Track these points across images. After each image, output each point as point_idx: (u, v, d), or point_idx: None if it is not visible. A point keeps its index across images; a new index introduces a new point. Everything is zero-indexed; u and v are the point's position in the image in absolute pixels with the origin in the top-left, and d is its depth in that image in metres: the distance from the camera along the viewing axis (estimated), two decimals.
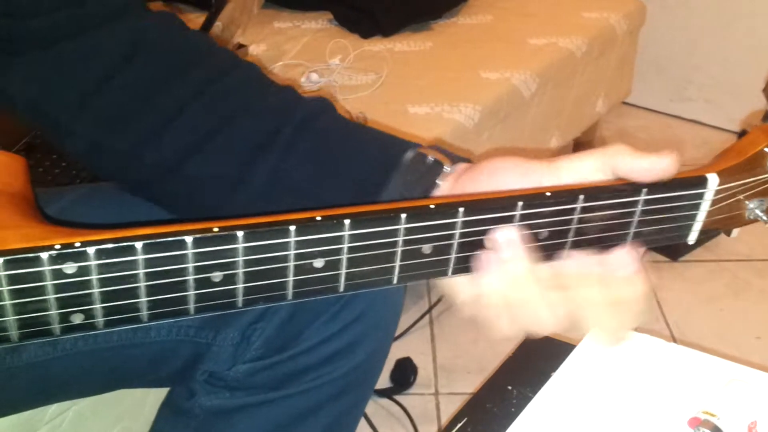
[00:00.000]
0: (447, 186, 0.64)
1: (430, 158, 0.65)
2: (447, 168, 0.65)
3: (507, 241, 0.56)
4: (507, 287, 0.57)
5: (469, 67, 2.08)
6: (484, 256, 0.57)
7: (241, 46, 1.91)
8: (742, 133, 0.63)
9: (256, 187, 0.69)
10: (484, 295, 0.58)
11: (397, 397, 1.84)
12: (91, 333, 0.50)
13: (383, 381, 1.87)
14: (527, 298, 0.58)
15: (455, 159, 0.66)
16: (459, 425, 0.81)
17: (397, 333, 1.90)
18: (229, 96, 0.72)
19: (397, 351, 1.92)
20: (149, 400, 1.21)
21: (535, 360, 0.87)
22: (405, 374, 1.90)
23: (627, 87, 2.70)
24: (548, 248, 0.58)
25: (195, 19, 2.06)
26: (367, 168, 0.68)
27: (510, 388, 0.85)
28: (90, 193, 0.94)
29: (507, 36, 2.26)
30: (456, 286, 0.62)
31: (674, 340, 1.31)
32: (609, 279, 0.58)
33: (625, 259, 0.58)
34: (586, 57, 2.29)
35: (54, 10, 0.72)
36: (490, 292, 0.58)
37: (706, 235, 0.63)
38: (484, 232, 0.56)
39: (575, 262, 0.58)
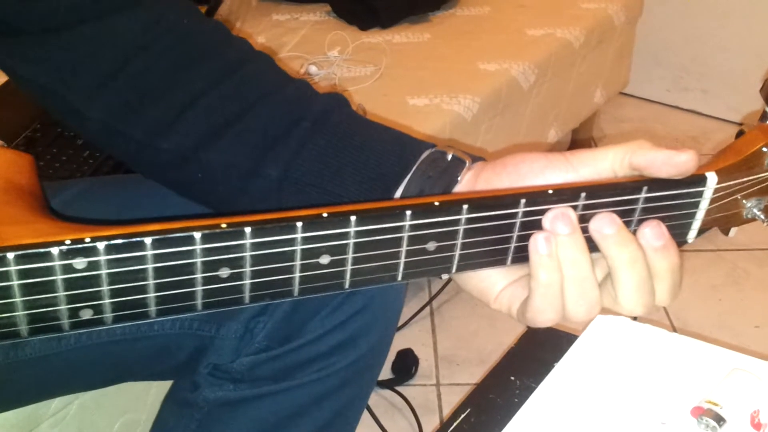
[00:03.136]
0: (467, 182, 0.64)
1: (450, 154, 0.66)
2: (467, 163, 0.65)
3: (562, 216, 0.56)
4: (564, 265, 0.57)
5: (467, 58, 2.08)
6: (539, 235, 0.56)
7: None
8: (740, 133, 0.63)
9: (269, 180, 0.69)
10: (540, 278, 0.57)
11: (399, 388, 1.84)
12: (98, 329, 0.50)
13: (385, 372, 1.87)
14: (584, 276, 0.58)
15: (474, 158, 0.66)
16: (462, 416, 0.82)
17: (399, 324, 1.90)
18: (245, 86, 0.72)
19: (398, 342, 1.93)
20: (152, 392, 1.21)
21: (538, 350, 0.87)
22: (406, 365, 1.90)
23: (625, 77, 2.70)
24: None
25: None
26: (385, 164, 0.68)
27: (513, 378, 0.85)
28: (91, 187, 0.94)
29: (505, 27, 2.26)
30: (486, 281, 0.63)
31: (674, 330, 1.31)
32: (645, 253, 0.58)
33: (655, 232, 0.58)
34: (584, 48, 2.29)
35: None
36: (546, 273, 0.57)
37: (703, 233, 0.63)
38: (487, 229, 0.56)
39: (614, 227, 0.58)
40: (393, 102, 1.88)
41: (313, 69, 1.98)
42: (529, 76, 2.07)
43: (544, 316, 0.60)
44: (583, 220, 0.57)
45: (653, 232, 0.58)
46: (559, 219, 0.56)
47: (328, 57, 2.05)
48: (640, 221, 0.59)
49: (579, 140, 2.73)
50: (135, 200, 0.88)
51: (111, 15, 0.72)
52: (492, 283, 0.63)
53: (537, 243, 0.57)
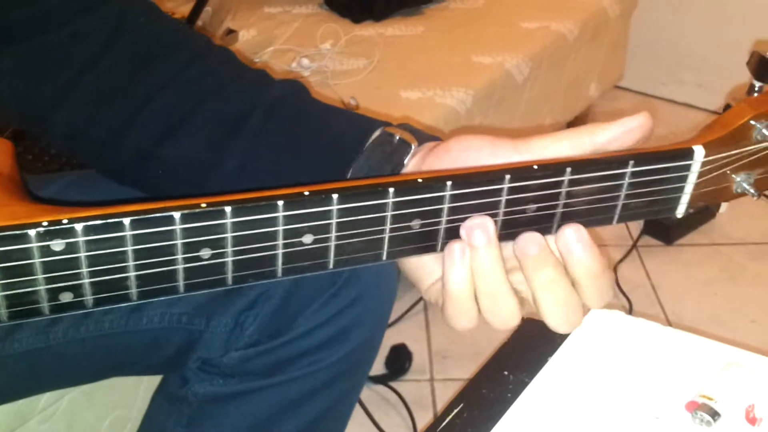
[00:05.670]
0: (413, 166, 0.64)
1: (397, 137, 0.65)
2: (413, 146, 0.64)
3: (480, 227, 0.55)
4: (477, 277, 0.56)
5: (460, 51, 2.08)
6: (456, 245, 0.55)
7: (231, 31, 1.90)
8: (727, 107, 0.62)
9: (229, 171, 0.69)
10: (451, 287, 0.56)
11: (393, 384, 1.84)
12: (83, 315, 0.50)
13: (378, 367, 1.87)
14: (496, 290, 0.57)
15: (423, 138, 0.65)
16: (455, 411, 0.81)
17: (392, 319, 1.90)
18: (201, 81, 0.72)
19: (391, 337, 1.92)
20: (142, 388, 1.21)
21: (531, 345, 0.86)
22: (400, 360, 1.90)
23: (619, 71, 2.70)
24: (537, 221, 0.57)
25: (185, 5, 2.05)
26: (333, 149, 0.67)
27: (506, 373, 0.84)
28: (79, 180, 0.93)
29: (499, 20, 2.26)
30: (422, 269, 0.61)
31: (669, 324, 1.31)
32: (564, 259, 0.57)
33: (575, 236, 0.57)
34: (579, 41, 2.28)
35: (34, 2, 0.72)
36: (457, 284, 0.56)
37: (696, 209, 0.62)
38: (472, 206, 0.55)
39: (533, 245, 0.57)
40: (386, 95, 1.87)
41: (305, 62, 1.97)
42: (523, 69, 2.07)
43: (456, 323, 0.59)
44: (569, 195, 0.57)
45: (574, 236, 0.57)
46: (476, 229, 0.55)
47: (321, 50, 2.04)
48: (628, 196, 0.58)
49: None
50: (123, 192, 0.87)
51: (78, 18, 0.73)
52: (428, 271, 0.62)
53: (452, 253, 0.56)
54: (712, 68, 2.87)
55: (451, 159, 0.60)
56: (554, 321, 0.58)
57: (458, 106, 1.86)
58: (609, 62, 2.56)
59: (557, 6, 2.33)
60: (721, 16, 2.78)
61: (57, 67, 0.72)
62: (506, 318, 0.58)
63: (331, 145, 0.68)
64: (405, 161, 0.64)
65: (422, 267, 0.61)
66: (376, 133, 0.66)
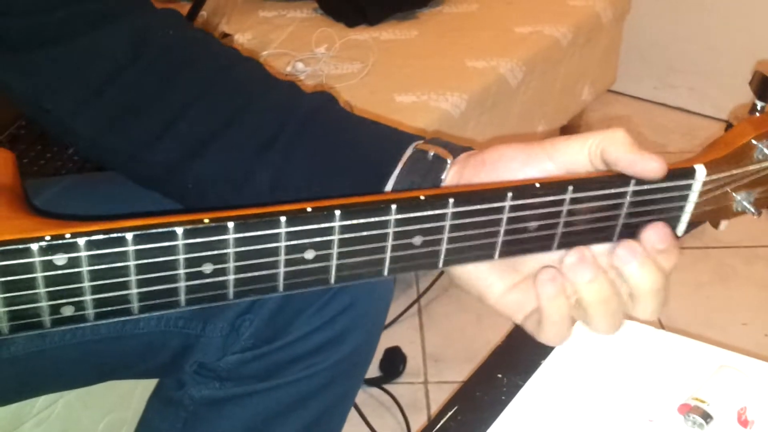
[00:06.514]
0: (450, 180, 0.64)
1: (431, 154, 0.65)
2: (449, 161, 0.64)
3: (584, 261, 0.58)
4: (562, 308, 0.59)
5: (455, 55, 2.08)
6: (555, 273, 0.58)
7: (226, 35, 1.90)
8: (729, 126, 0.63)
9: (261, 187, 0.69)
10: (549, 316, 0.59)
11: (387, 387, 1.84)
12: (81, 325, 0.50)
13: (372, 370, 1.87)
14: (566, 315, 0.59)
15: (455, 150, 0.65)
16: (449, 413, 0.81)
17: (386, 322, 1.90)
18: (231, 95, 0.72)
19: (386, 340, 1.92)
20: (138, 391, 1.21)
21: (525, 348, 0.87)
22: (394, 363, 1.90)
23: (612, 75, 2.70)
24: (538, 240, 0.58)
25: (180, 8, 2.05)
26: (366, 165, 0.67)
27: (500, 376, 0.85)
28: (76, 184, 0.93)
29: (493, 24, 2.26)
30: (480, 282, 0.62)
31: (662, 327, 1.30)
32: (620, 274, 0.59)
33: (630, 250, 0.58)
34: (572, 45, 2.29)
35: (57, 9, 0.71)
36: (556, 310, 0.58)
37: (694, 227, 0.63)
38: (474, 224, 0.56)
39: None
40: (380, 99, 1.87)
41: (300, 66, 1.97)
42: (517, 73, 2.07)
43: (558, 341, 0.61)
44: (571, 213, 0.57)
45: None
46: (581, 265, 0.58)
47: (315, 54, 2.05)
48: (629, 215, 0.58)
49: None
50: (121, 196, 0.87)
51: (99, 29, 0.72)
52: (488, 284, 0.62)
53: (544, 287, 0.58)
54: (704, 72, 2.87)
55: (487, 171, 0.60)
56: (600, 327, 0.60)
57: (452, 110, 1.87)
58: (602, 66, 2.56)
59: (550, 11, 2.34)
60: (713, 21, 2.79)
61: (76, 78, 0.72)
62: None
63: (364, 160, 0.67)
64: (443, 176, 0.64)
65: (482, 279, 0.62)
66: (409, 152, 0.66)
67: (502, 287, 0.62)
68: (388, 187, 0.66)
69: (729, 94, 2.77)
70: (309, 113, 0.70)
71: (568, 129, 2.65)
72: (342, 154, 0.69)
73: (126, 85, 0.72)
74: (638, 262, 0.58)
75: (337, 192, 0.67)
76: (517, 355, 0.86)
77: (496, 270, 0.61)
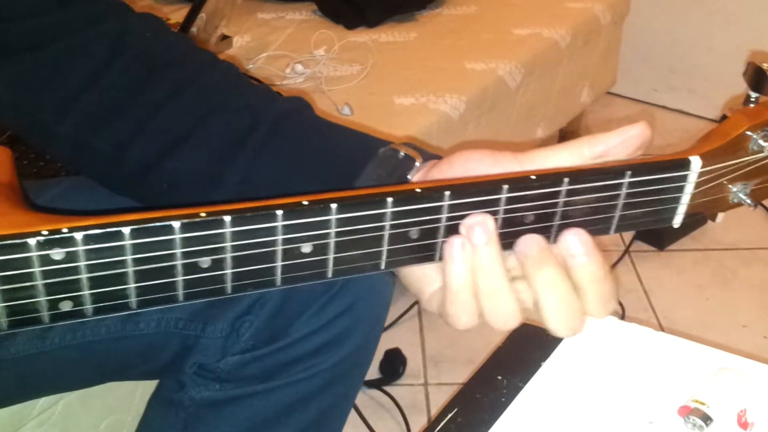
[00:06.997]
0: (416, 180, 0.64)
1: (402, 153, 0.65)
2: (417, 163, 0.64)
3: (480, 224, 0.55)
4: (477, 275, 0.56)
5: (454, 57, 2.08)
6: (456, 240, 0.55)
7: (225, 37, 1.91)
8: (723, 118, 0.63)
9: (231, 184, 0.69)
10: (451, 284, 0.56)
11: (387, 388, 1.84)
12: (79, 321, 0.50)
13: (372, 372, 1.87)
14: (496, 288, 0.56)
15: (426, 156, 0.65)
16: (449, 416, 0.81)
17: (386, 324, 1.90)
18: (205, 95, 0.72)
19: (386, 342, 1.92)
20: (138, 392, 1.21)
21: (525, 350, 0.87)
22: (394, 365, 1.90)
23: (612, 77, 2.70)
24: (535, 231, 0.58)
25: (179, 11, 2.05)
26: (337, 164, 0.67)
27: (500, 378, 0.84)
28: (76, 186, 0.93)
29: (491, 26, 2.26)
30: (424, 280, 0.61)
31: (662, 329, 1.31)
32: (567, 263, 0.57)
33: (577, 240, 0.57)
34: (571, 47, 2.29)
35: (38, 14, 0.72)
36: (457, 280, 0.56)
37: (692, 219, 0.63)
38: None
39: (533, 245, 0.57)
40: (379, 101, 1.87)
41: (299, 68, 1.97)
42: (516, 75, 2.07)
43: (457, 322, 0.58)
44: (566, 205, 0.57)
45: (576, 240, 0.57)
46: (477, 226, 0.55)
47: (314, 56, 2.05)
48: (625, 206, 0.58)
49: (566, 140, 2.72)
50: (121, 197, 0.87)
51: (81, 31, 0.73)
52: (429, 281, 0.61)
53: (452, 248, 0.55)
54: (704, 74, 2.88)
55: (454, 171, 0.60)
56: (555, 324, 0.57)
57: (451, 112, 1.87)
58: (601, 68, 2.56)
59: (549, 13, 2.34)
60: (713, 23, 2.79)
61: (56, 81, 0.73)
62: (507, 318, 0.57)
63: (335, 160, 0.68)
64: (409, 176, 0.64)
65: (424, 278, 0.61)
66: (381, 150, 0.66)
67: (438, 284, 0.60)
68: (359, 184, 0.66)
69: (729, 96, 2.77)
70: (281, 115, 0.71)
71: (568, 131, 2.65)
72: (312, 154, 0.69)
73: (106, 85, 0.72)
74: (586, 247, 0.57)
75: (306, 191, 0.67)
76: (517, 357, 0.86)
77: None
